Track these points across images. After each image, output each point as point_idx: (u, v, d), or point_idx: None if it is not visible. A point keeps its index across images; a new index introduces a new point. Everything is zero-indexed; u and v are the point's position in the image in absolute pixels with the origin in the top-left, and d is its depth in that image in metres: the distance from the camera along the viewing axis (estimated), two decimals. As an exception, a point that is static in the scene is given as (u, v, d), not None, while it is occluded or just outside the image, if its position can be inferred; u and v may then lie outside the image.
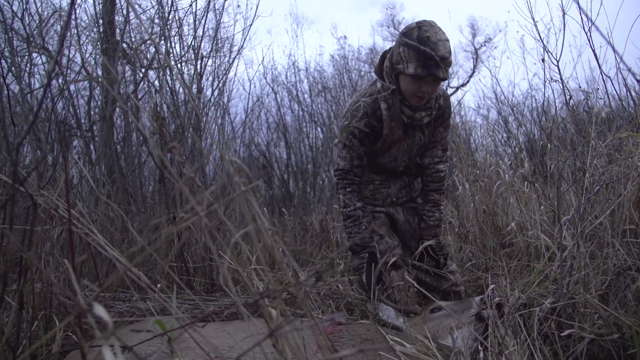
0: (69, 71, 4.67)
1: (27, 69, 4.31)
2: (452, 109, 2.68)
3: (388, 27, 17.68)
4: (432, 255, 2.60)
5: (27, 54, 4.35)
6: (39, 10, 4.55)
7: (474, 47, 17.61)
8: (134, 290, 2.22)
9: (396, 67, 2.36)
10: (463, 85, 16.51)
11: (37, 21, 4.52)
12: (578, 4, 2.61)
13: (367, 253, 2.45)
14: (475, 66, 17.40)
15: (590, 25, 2.83)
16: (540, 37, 3.56)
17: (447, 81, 2.49)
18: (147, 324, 1.58)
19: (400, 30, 2.66)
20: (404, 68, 2.30)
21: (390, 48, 2.49)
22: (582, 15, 2.81)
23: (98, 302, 0.69)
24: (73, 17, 4.26)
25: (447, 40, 2.28)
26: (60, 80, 4.16)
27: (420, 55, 2.24)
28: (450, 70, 2.35)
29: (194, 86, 4.61)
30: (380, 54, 2.56)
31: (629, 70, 1.89)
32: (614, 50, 1.25)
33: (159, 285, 2.31)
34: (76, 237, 2.40)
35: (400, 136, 2.56)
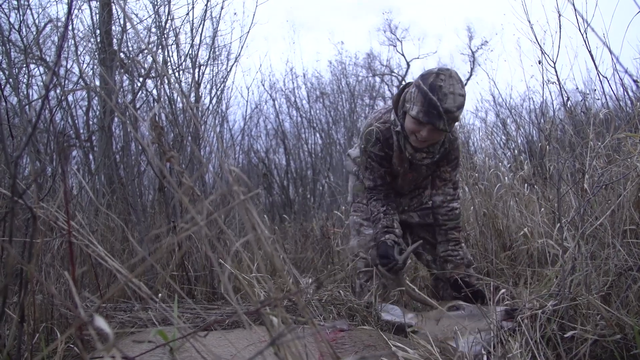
0: (66, 82, 4.67)
1: (25, 80, 4.31)
2: (459, 151, 2.68)
3: (385, 32, 17.75)
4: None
5: (24, 65, 4.36)
6: (36, 21, 4.57)
7: (471, 50, 17.67)
8: (135, 300, 2.22)
9: (405, 105, 2.41)
10: (460, 88, 16.53)
11: (35, 32, 4.53)
12: (573, 5, 2.62)
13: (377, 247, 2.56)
14: (472, 69, 17.46)
15: (586, 26, 2.84)
16: (537, 39, 3.57)
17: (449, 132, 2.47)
18: (149, 334, 1.58)
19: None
20: (410, 108, 2.33)
21: (411, 83, 2.51)
22: (578, 16, 2.81)
23: (99, 314, 0.69)
24: (70, 27, 4.27)
25: (462, 95, 2.25)
26: (58, 91, 4.17)
27: (425, 101, 2.24)
28: (455, 123, 2.35)
29: (192, 95, 4.61)
30: (401, 86, 2.61)
31: (626, 71, 1.89)
32: (610, 52, 1.26)
33: (160, 295, 2.31)
34: (76, 248, 2.40)
35: (406, 169, 2.64)
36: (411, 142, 2.44)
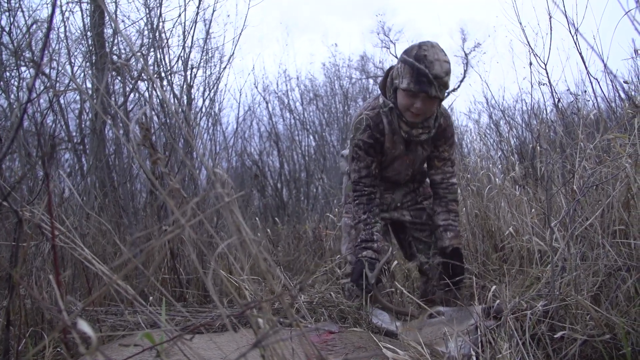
0: (58, 84, 4.65)
1: (16, 82, 4.29)
2: (453, 128, 2.72)
3: (378, 34, 17.80)
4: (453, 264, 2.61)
5: (15, 67, 4.33)
6: (28, 23, 4.54)
7: (464, 52, 17.73)
8: (122, 303, 2.21)
9: (394, 82, 2.45)
10: (454, 90, 16.58)
11: (26, 34, 4.51)
12: (564, 12, 2.63)
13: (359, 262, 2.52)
14: (465, 71, 17.53)
15: (575, 30, 2.85)
16: (528, 41, 3.57)
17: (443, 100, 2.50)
18: (136, 337, 1.57)
19: (402, 48, 2.70)
20: (399, 82, 2.38)
21: (394, 66, 2.55)
22: (567, 19, 2.82)
23: (83, 318, 0.68)
24: (62, 30, 4.25)
25: (447, 61, 2.33)
26: (50, 94, 4.15)
27: (414, 71, 2.31)
28: (445, 90, 2.38)
29: (184, 97, 4.60)
30: (387, 69, 2.62)
31: (614, 75, 1.90)
32: (599, 56, 1.26)
33: (150, 298, 2.30)
34: (66, 252, 2.38)
35: (402, 151, 2.64)
36: (407, 118, 2.46)
